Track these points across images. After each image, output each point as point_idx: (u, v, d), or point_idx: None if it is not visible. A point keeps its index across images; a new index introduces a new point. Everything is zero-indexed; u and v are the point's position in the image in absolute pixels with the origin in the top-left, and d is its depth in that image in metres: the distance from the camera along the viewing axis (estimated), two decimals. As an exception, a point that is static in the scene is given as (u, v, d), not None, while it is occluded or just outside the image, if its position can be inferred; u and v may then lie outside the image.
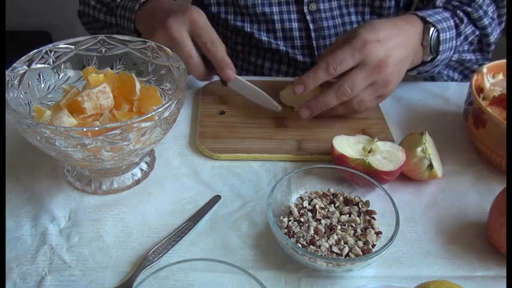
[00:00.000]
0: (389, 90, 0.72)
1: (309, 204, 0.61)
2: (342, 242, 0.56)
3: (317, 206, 0.60)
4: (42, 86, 0.65)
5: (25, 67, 0.62)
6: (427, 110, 0.82)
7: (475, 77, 0.73)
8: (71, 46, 0.67)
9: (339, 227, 0.58)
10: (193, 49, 0.73)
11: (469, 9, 0.82)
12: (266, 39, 0.91)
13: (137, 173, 0.66)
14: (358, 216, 0.60)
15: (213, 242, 0.59)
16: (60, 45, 0.66)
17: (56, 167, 0.67)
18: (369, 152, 0.65)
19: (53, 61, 0.66)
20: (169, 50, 0.66)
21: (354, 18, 0.91)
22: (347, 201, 0.62)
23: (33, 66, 0.63)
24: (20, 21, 1.97)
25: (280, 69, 0.94)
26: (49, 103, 0.65)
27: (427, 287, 0.48)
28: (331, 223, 0.59)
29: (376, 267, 0.57)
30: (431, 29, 0.74)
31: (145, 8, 0.80)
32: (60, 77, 0.67)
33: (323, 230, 0.57)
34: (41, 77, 0.65)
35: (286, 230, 0.57)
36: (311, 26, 0.90)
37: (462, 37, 0.81)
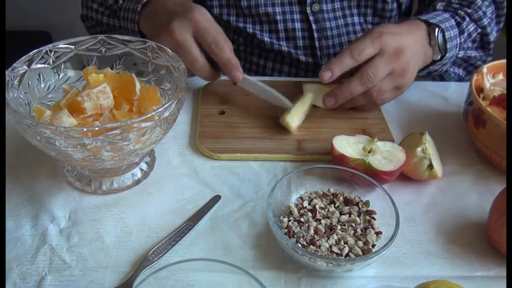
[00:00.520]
0: (406, 81, 0.74)
1: (309, 204, 0.61)
2: (342, 242, 0.56)
3: (317, 206, 0.60)
4: (42, 86, 0.65)
5: (25, 67, 0.62)
6: (427, 110, 0.82)
7: (475, 77, 0.73)
8: (71, 46, 0.67)
9: (339, 227, 0.58)
10: (198, 52, 0.72)
11: (469, 11, 0.84)
12: (268, 39, 0.91)
13: (137, 173, 0.66)
14: (358, 216, 0.60)
15: (213, 242, 0.59)
16: (60, 45, 0.66)
17: (56, 167, 0.67)
18: (369, 152, 0.65)
19: (53, 61, 0.66)
20: (169, 50, 0.66)
21: (356, 19, 0.91)
22: (347, 201, 0.62)
23: (33, 66, 0.63)
24: (20, 21, 1.97)
25: (283, 69, 0.94)
26: (49, 103, 0.65)
27: (427, 287, 0.48)
28: (331, 223, 0.59)
29: (376, 267, 0.57)
30: (436, 29, 0.77)
31: (148, 8, 0.80)
32: (60, 77, 0.67)
33: (323, 230, 0.57)
34: (41, 77, 0.65)
35: (286, 230, 0.57)
36: (314, 26, 0.90)
37: (466, 34, 0.83)
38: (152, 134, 0.57)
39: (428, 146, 0.65)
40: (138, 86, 0.64)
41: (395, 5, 0.91)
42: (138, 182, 0.66)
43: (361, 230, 0.58)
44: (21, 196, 0.63)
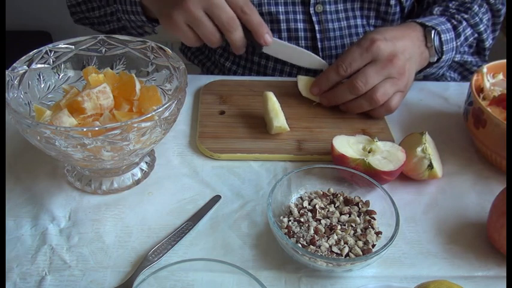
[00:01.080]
0: (405, 84, 0.74)
1: (309, 204, 0.61)
2: (342, 242, 0.56)
3: (317, 206, 0.60)
4: (42, 86, 0.65)
5: (25, 67, 0.62)
6: (427, 110, 0.82)
7: (475, 77, 0.73)
8: (71, 46, 0.67)
9: (339, 227, 0.58)
10: (213, 25, 0.71)
11: (466, 16, 0.86)
12: None
13: (137, 173, 0.66)
14: (358, 216, 0.60)
15: (213, 242, 0.59)
16: (60, 45, 0.66)
17: (56, 167, 0.67)
18: (369, 152, 0.65)
19: (53, 61, 0.66)
20: (169, 50, 0.66)
21: (359, 21, 0.92)
22: (347, 201, 0.62)
23: (33, 66, 0.63)
24: (20, 21, 1.97)
25: (284, 69, 0.94)
26: (49, 103, 0.65)
27: (427, 287, 0.48)
28: (331, 223, 0.59)
29: (376, 267, 0.57)
30: (432, 31, 0.78)
31: None
32: (60, 77, 0.67)
33: (323, 230, 0.57)
34: (41, 77, 0.65)
35: (286, 230, 0.57)
36: (317, 27, 0.90)
37: (462, 38, 0.84)
38: (152, 134, 0.57)
39: (428, 146, 0.65)
40: (138, 86, 0.64)
41: (398, 9, 0.91)
42: (138, 182, 0.66)
43: (361, 230, 0.58)
44: (21, 196, 0.63)
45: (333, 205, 0.61)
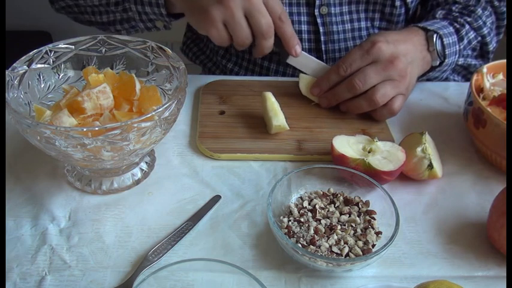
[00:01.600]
0: (407, 87, 0.74)
1: (309, 204, 0.61)
2: (342, 242, 0.56)
3: (317, 206, 0.60)
4: (42, 86, 0.65)
5: (25, 67, 0.62)
6: (427, 110, 0.82)
7: (475, 77, 0.73)
8: (71, 46, 0.67)
9: (339, 227, 0.58)
10: (248, 28, 0.70)
11: (469, 19, 0.85)
12: None
13: (137, 173, 0.66)
14: (358, 216, 0.60)
15: (213, 242, 0.59)
16: (60, 45, 0.66)
17: (56, 167, 0.67)
18: (369, 152, 0.65)
19: (53, 61, 0.66)
20: (169, 50, 0.66)
21: (363, 24, 0.91)
22: (347, 201, 0.62)
23: (33, 66, 0.63)
24: (20, 21, 1.97)
25: (286, 71, 0.94)
26: (49, 103, 0.65)
27: (427, 287, 0.48)
28: (331, 223, 0.59)
29: (376, 267, 0.57)
30: (434, 35, 0.78)
31: None
32: (60, 77, 0.67)
33: (323, 230, 0.57)
34: (41, 77, 0.65)
35: (286, 230, 0.57)
36: (321, 29, 0.89)
37: (465, 41, 0.84)
38: (152, 134, 0.57)
39: (428, 146, 0.65)
40: (138, 86, 0.64)
41: (403, 10, 0.91)
42: (138, 182, 0.66)
43: (361, 230, 0.58)
44: (21, 196, 0.63)
45: (333, 205, 0.61)
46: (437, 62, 0.80)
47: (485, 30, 0.87)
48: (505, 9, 0.91)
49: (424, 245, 0.60)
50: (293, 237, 0.57)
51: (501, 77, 0.76)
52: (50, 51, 0.65)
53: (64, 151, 0.55)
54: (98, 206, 0.63)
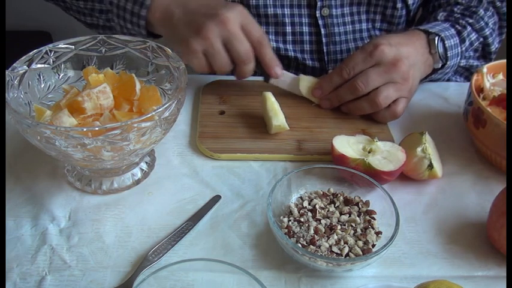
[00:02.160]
0: (409, 90, 0.74)
1: (309, 204, 0.61)
2: (342, 242, 0.56)
3: (317, 206, 0.60)
4: (42, 86, 0.65)
5: (25, 67, 0.62)
6: (427, 110, 0.82)
7: (475, 77, 0.73)
8: (71, 46, 0.67)
9: (339, 227, 0.58)
10: (227, 56, 0.71)
11: (471, 21, 0.85)
12: (275, 43, 0.90)
13: (137, 173, 0.66)
14: (358, 216, 0.60)
15: (213, 242, 0.59)
16: (60, 45, 0.66)
17: (56, 167, 0.67)
18: (369, 152, 0.65)
19: (53, 61, 0.66)
20: (169, 50, 0.66)
21: (365, 25, 0.91)
22: (347, 201, 0.62)
23: (33, 66, 0.63)
24: (20, 21, 1.97)
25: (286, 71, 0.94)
26: (49, 103, 0.65)
27: (427, 287, 0.48)
28: (331, 223, 0.59)
29: (376, 267, 0.57)
30: (436, 38, 0.78)
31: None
32: (60, 77, 0.67)
33: (323, 230, 0.57)
34: (41, 77, 0.65)
35: (286, 230, 0.57)
36: (322, 31, 0.89)
37: (467, 43, 0.84)
38: (152, 134, 0.57)
39: (428, 146, 0.65)
40: (138, 86, 0.64)
41: (404, 12, 0.91)
42: (138, 182, 0.66)
43: (361, 230, 0.58)
44: (21, 196, 0.63)
45: (333, 205, 0.61)
46: (439, 65, 0.80)
47: (487, 31, 0.86)
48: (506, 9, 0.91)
49: (424, 245, 0.60)
50: (293, 237, 0.57)
51: (501, 77, 0.76)
52: (50, 51, 0.65)
53: (64, 151, 0.55)
54: (98, 206, 0.63)
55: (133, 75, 0.65)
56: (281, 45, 0.91)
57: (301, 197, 0.62)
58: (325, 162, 0.67)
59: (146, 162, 0.68)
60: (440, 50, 0.78)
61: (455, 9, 0.87)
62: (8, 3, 1.69)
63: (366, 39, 0.92)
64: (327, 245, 0.56)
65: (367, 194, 0.62)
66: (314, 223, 0.58)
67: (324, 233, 0.57)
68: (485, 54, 0.90)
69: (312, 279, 0.55)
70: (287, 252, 0.56)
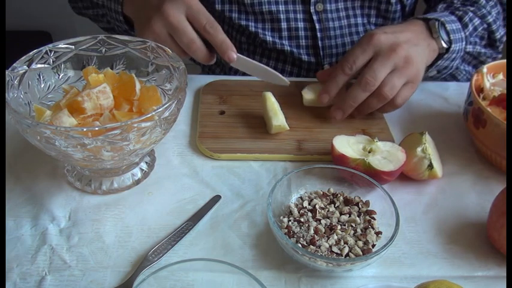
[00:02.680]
0: (415, 73, 0.73)
1: (309, 204, 0.61)
2: (342, 242, 0.56)
3: (317, 206, 0.60)
4: (42, 86, 0.65)
5: (25, 67, 0.62)
6: (427, 110, 0.82)
7: (475, 77, 0.73)
8: (71, 46, 0.67)
9: (339, 227, 0.58)
10: (194, 33, 0.72)
11: (472, 8, 0.84)
12: (271, 39, 0.91)
13: (137, 173, 0.66)
14: (358, 216, 0.60)
15: (213, 242, 0.59)
16: (60, 45, 0.66)
17: (56, 167, 0.67)
18: (369, 152, 0.65)
19: (53, 61, 0.66)
20: (169, 50, 0.66)
21: (359, 20, 0.92)
22: (347, 201, 0.62)
23: (33, 66, 0.63)
24: (20, 21, 1.97)
25: (285, 69, 0.94)
26: (49, 103, 0.65)
27: (427, 287, 0.48)
28: (331, 223, 0.59)
29: (376, 267, 0.57)
30: (436, 22, 0.77)
31: None
32: (60, 77, 0.67)
33: (323, 230, 0.57)
34: (41, 77, 0.65)
35: (286, 230, 0.57)
36: (317, 26, 0.90)
37: (471, 28, 0.82)
38: (152, 134, 0.57)
39: (428, 146, 0.65)
40: (138, 86, 0.64)
41: (399, 7, 0.91)
42: (138, 182, 0.66)
43: (361, 230, 0.58)
44: (21, 196, 0.63)
45: (333, 205, 0.61)
46: (444, 46, 0.78)
47: (490, 19, 0.85)
48: None
49: (424, 245, 0.60)
50: (293, 237, 0.57)
51: (501, 77, 0.76)
52: (50, 51, 0.65)
53: (64, 151, 0.55)
54: (98, 206, 0.63)
55: (133, 75, 0.65)
56: (277, 41, 0.91)
57: (301, 197, 0.62)
58: (325, 162, 0.67)
59: (146, 162, 0.68)
60: (443, 34, 0.77)
61: (455, 1, 0.87)
62: (8, 3, 1.70)
63: (362, 34, 0.92)
64: (327, 245, 0.56)
65: (367, 194, 0.62)
66: (314, 223, 0.58)
67: (324, 233, 0.57)
68: (491, 43, 0.88)
69: (312, 279, 0.55)
70: (287, 252, 0.56)
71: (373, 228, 0.58)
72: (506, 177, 0.66)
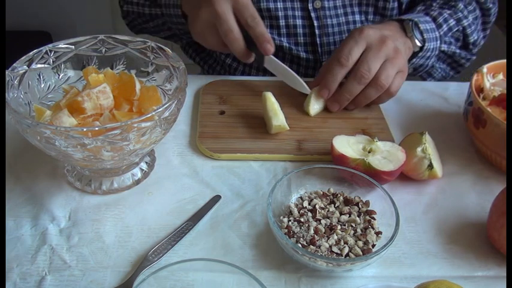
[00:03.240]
0: (403, 63, 0.75)
1: (309, 204, 0.61)
2: (342, 242, 0.56)
3: (317, 206, 0.60)
4: (42, 86, 0.65)
5: (25, 67, 0.62)
6: (427, 110, 0.82)
7: (475, 77, 0.73)
8: (71, 46, 0.67)
9: (339, 227, 0.58)
10: (234, 24, 0.74)
11: (449, 11, 0.87)
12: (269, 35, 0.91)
13: (137, 173, 0.66)
14: (358, 216, 0.60)
15: (213, 242, 0.59)
16: (60, 45, 0.66)
17: (56, 167, 0.67)
18: (369, 152, 0.65)
19: (53, 61, 0.66)
20: (169, 50, 0.66)
21: (357, 17, 0.92)
22: (347, 201, 0.62)
23: (33, 66, 0.63)
24: (20, 21, 1.97)
25: None
26: (49, 103, 0.65)
27: (427, 287, 0.48)
28: (331, 223, 0.59)
29: (376, 267, 0.57)
30: (410, 22, 0.81)
31: None
32: (60, 77, 0.67)
33: (323, 230, 0.57)
34: (41, 77, 0.65)
35: (286, 230, 0.57)
36: (315, 23, 0.90)
37: (445, 27, 0.85)
38: (152, 134, 0.57)
39: (428, 146, 0.65)
40: (138, 86, 0.64)
41: (396, 4, 0.92)
42: (138, 182, 0.66)
43: (361, 230, 0.58)
44: (21, 196, 0.63)
45: (333, 205, 0.61)
46: (418, 44, 0.81)
47: (465, 22, 0.88)
48: (491, 5, 0.92)
49: (424, 245, 0.60)
50: (293, 237, 0.57)
51: (501, 77, 0.76)
52: (50, 51, 0.65)
53: (64, 151, 0.55)
54: (98, 206, 0.63)
55: (133, 75, 0.65)
56: (275, 38, 0.91)
57: (301, 197, 0.62)
58: (325, 162, 0.67)
59: (146, 162, 0.68)
60: (417, 33, 0.80)
61: (434, 4, 0.89)
62: (8, 3, 1.69)
63: None
64: (327, 245, 0.56)
65: (367, 194, 0.62)
66: (314, 223, 0.58)
67: (324, 233, 0.57)
68: (466, 45, 0.92)
69: (312, 279, 0.55)
70: (287, 252, 0.56)
71: (373, 228, 0.58)
72: (506, 177, 0.66)
